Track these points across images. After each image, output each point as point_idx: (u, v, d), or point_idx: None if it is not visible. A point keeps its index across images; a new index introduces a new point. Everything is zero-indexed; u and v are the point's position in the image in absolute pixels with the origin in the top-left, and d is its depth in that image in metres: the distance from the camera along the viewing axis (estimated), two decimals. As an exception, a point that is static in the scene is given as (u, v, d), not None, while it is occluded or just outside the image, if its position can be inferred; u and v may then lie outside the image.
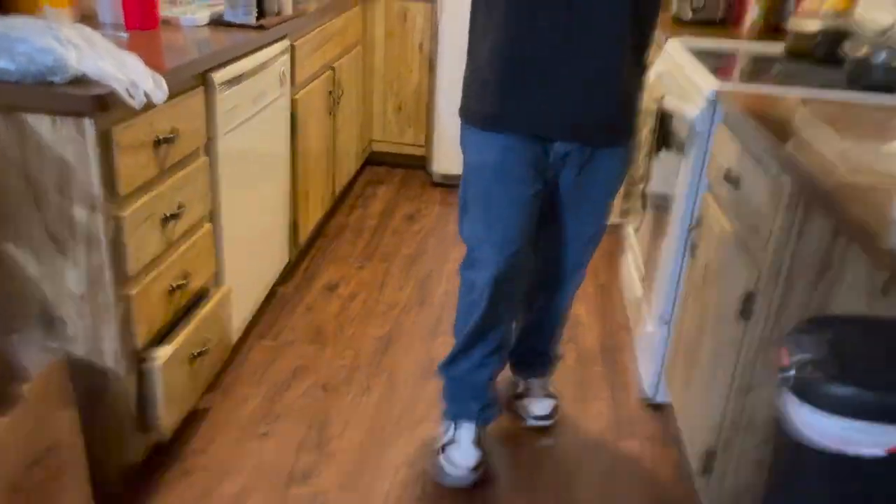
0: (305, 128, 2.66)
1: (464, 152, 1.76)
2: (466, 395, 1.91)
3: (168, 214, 1.66)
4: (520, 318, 2.03)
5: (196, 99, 1.77)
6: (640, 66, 1.70)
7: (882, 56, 1.85)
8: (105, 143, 1.42)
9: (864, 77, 1.88)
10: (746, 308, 1.50)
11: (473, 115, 1.70)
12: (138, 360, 1.63)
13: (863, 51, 1.89)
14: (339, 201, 3.47)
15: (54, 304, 1.52)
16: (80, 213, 1.44)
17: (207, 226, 1.90)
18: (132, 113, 1.48)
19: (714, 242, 1.76)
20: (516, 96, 1.62)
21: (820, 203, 1.22)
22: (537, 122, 1.64)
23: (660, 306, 2.11)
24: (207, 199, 1.88)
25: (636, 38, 1.63)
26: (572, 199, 1.77)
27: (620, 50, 1.59)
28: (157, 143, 1.59)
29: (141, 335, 1.61)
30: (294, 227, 2.67)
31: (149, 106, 1.48)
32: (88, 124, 1.38)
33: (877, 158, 1.24)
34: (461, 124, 1.75)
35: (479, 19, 1.66)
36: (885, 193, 1.15)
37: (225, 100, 1.91)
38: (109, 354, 1.56)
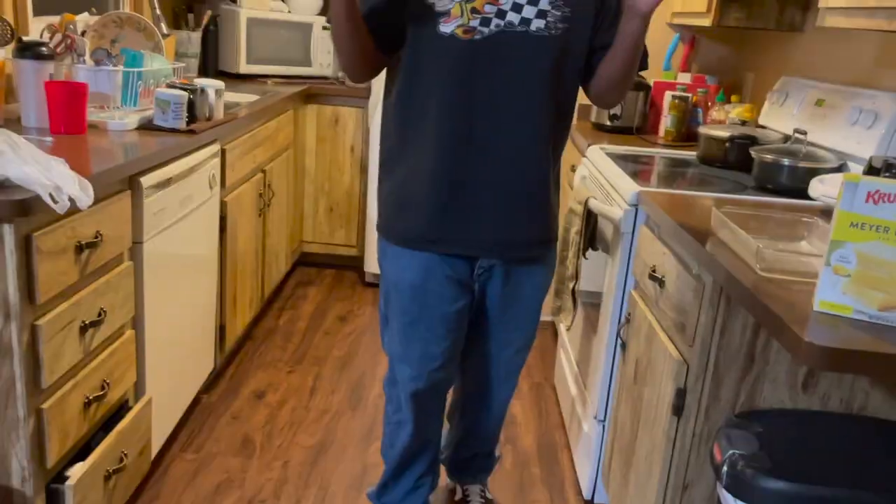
0: (234, 230, 2.63)
1: (381, 267, 1.70)
2: None
3: (88, 322, 1.59)
4: (456, 425, 2.00)
5: (123, 203, 1.74)
6: (557, 174, 1.72)
7: (785, 161, 1.99)
8: (25, 249, 1.36)
9: (771, 181, 2.01)
10: (678, 404, 1.52)
11: (390, 232, 1.64)
12: (49, 479, 1.51)
13: (768, 157, 2.03)
14: (269, 304, 3.41)
15: (-43, 421, 1.41)
16: (-8, 322, 1.37)
17: (129, 332, 1.83)
18: (55, 217, 1.44)
19: (643, 339, 1.79)
20: (437, 217, 1.57)
21: (740, 300, 1.27)
22: (460, 243, 1.60)
23: (594, 405, 2.12)
24: (130, 305, 1.82)
25: (555, 151, 1.65)
26: (501, 308, 1.72)
27: (541, 166, 1.60)
28: (80, 248, 1.54)
29: (53, 452, 1.50)
30: (221, 332, 2.59)
31: (73, 211, 1.44)
32: (7, 230, 1.33)
33: (788, 256, 1.31)
34: (378, 238, 1.70)
35: (392, 138, 1.62)
36: (799, 290, 1.21)
37: (152, 203, 1.89)
38: (17, 474, 1.45)
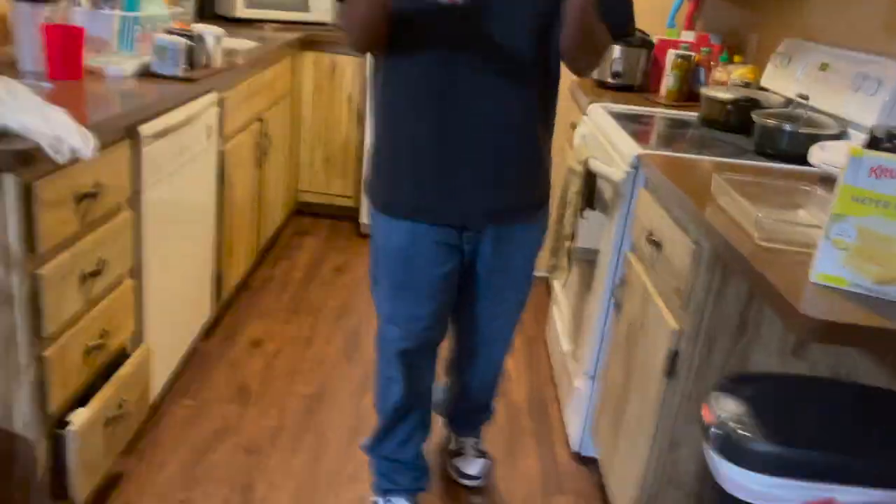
0: (232, 179, 2.62)
1: (371, 229, 1.71)
2: (396, 471, 1.89)
3: (88, 271, 1.60)
4: (454, 381, 2.03)
5: (121, 152, 1.73)
6: (548, 135, 1.67)
7: (787, 127, 1.98)
8: (26, 199, 1.36)
9: (771, 146, 2.01)
10: (670, 366, 1.55)
11: (379, 200, 1.65)
12: (52, 425, 1.54)
13: (769, 121, 2.02)
14: (265, 253, 3.41)
15: (-40, 367, 1.43)
16: (-7, 271, 1.37)
17: (129, 282, 1.84)
18: (55, 168, 1.43)
19: (638, 301, 1.82)
20: (422, 187, 1.57)
21: (737, 268, 1.28)
22: (447, 214, 1.59)
23: (586, 362, 2.16)
24: (130, 255, 1.82)
25: (544, 112, 1.62)
26: (493, 269, 1.72)
27: (529, 129, 1.58)
28: (80, 198, 1.53)
29: (55, 399, 1.53)
30: (218, 281, 2.61)
31: (73, 161, 1.44)
32: (8, 179, 1.32)
33: (786, 226, 1.32)
34: (367, 201, 1.67)
35: (379, 106, 1.60)
36: (797, 261, 1.23)
37: (151, 152, 1.88)
38: (20, 419, 1.47)
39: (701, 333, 1.48)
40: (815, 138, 1.92)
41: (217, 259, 2.57)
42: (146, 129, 1.83)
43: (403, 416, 1.84)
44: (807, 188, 1.57)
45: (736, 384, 1.36)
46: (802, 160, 1.87)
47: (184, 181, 2.14)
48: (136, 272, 1.89)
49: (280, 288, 3.11)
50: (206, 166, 2.35)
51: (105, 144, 1.63)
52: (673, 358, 1.55)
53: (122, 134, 1.74)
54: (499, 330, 1.87)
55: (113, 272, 1.72)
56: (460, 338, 1.91)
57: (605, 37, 1.53)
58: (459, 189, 1.57)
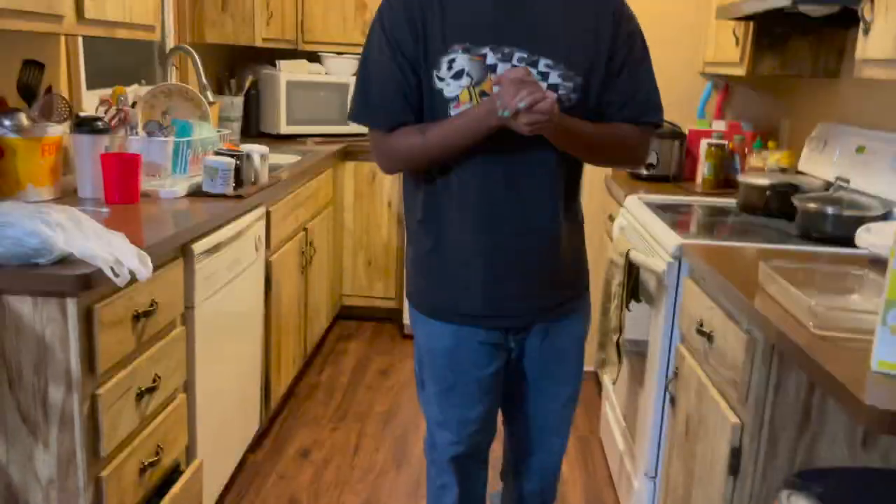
0: (279, 288, 2.68)
1: (414, 332, 1.69)
2: None
3: (144, 388, 1.63)
4: (513, 486, 1.97)
5: (175, 270, 1.79)
6: (577, 223, 1.65)
7: (829, 210, 1.97)
8: (87, 322, 1.41)
9: (816, 230, 2.00)
10: (733, 463, 1.50)
11: (421, 302, 1.63)
12: (107, 547, 1.53)
13: (812, 205, 2.02)
14: (311, 359, 3.43)
15: (20, 489, 1.45)
16: (55, 393, 1.41)
17: (182, 396, 1.87)
18: (114, 289, 1.49)
19: (693, 395, 1.77)
20: (469, 291, 1.54)
21: (794, 359, 1.25)
22: (491, 317, 1.56)
23: (645, 461, 2.08)
24: (182, 370, 1.86)
25: (572, 206, 1.60)
26: (542, 363, 1.67)
27: (561, 227, 1.56)
28: (137, 317, 1.58)
29: (111, 519, 1.53)
30: (266, 390, 2.62)
31: (131, 281, 1.49)
32: (71, 304, 1.38)
33: (841, 314, 1.30)
34: (409, 304, 1.68)
35: (415, 211, 1.59)
36: (855, 349, 1.20)
37: (203, 269, 1.94)
38: (76, 543, 1.47)
39: (763, 428, 1.44)
40: (860, 220, 1.90)
41: (265, 368, 2.59)
42: (198, 247, 1.90)
43: None
44: (858, 272, 1.55)
45: (806, 480, 1.30)
46: (849, 243, 1.85)
47: (233, 293, 2.19)
48: (189, 387, 1.92)
49: (326, 394, 3.11)
50: (255, 277, 2.41)
51: (160, 264, 1.70)
52: (736, 454, 1.49)
53: (176, 253, 1.81)
54: (554, 428, 1.79)
55: (167, 388, 1.75)
56: (514, 440, 1.85)
57: (635, 149, 1.56)
58: (506, 295, 1.56)
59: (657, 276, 2.04)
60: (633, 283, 2.27)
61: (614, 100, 1.49)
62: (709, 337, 1.69)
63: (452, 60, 1.41)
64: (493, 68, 1.41)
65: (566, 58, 1.43)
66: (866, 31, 1.68)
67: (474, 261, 1.53)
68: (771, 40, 2.54)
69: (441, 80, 1.43)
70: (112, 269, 1.39)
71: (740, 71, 2.62)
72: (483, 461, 1.79)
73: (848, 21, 2.20)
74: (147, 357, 1.65)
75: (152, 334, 1.68)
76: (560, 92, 1.43)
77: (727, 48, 2.73)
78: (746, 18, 2.47)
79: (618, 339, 2.30)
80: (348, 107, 1.57)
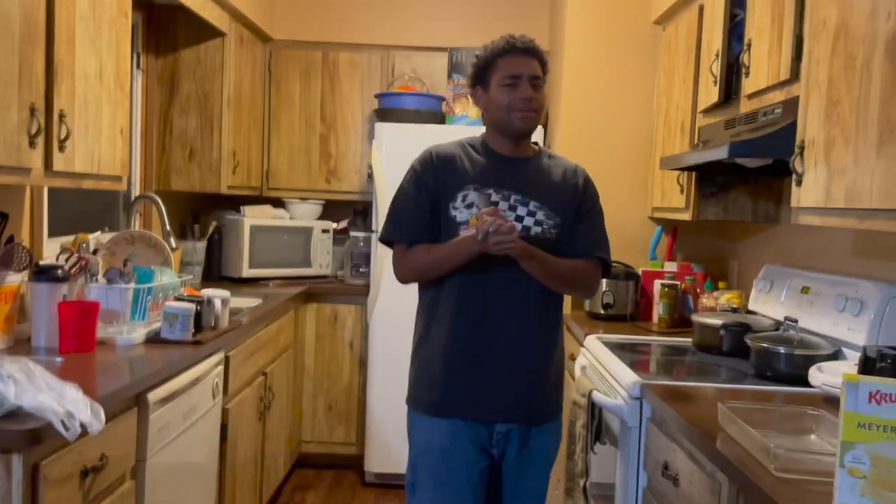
0: (235, 437, 2.59)
1: (410, 437, 1.93)
2: None
3: (87, 551, 1.53)
4: None
5: (129, 421, 1.74)
6: (559, 346, 1.96)
7: (782, 349, 2.03)
8: (32, 479, 1.35)
9: (770, 369, 2.04)
10: None
11: (420, 402, 1.90)
12: None
13: (764, 345, 2.07)
14: (267, 511, 3.26)
15: None
16: (-10, 560, 1.32)
17: (128, 558, 1.75)
18: (63, 444, 1.43)
19: (663, 542, 1.73)
20: (460, 386, 1.84)
21: (759, 503, 1.25)
22: (480, 408, 1.84)
23: None
24: (130, 528, 1.76)
25: (556, 327, 1.94)
26: (517, 472, 1.89)
27: (544, 337, 1.90)
28: (85, 472, 1.52)
29: None
30: (219, 548, 2.47)
31: (82, 435, 1.44)
32: (16, 460, 1.32)
33: (802, 456, 1.31)
34: (408, 411, 1.94)
35: (423, 324, 1.92)
36: (819, 492, 1.20)
37: (158, 419, 1.88)
38: None
39: (735, 577, 1.40)
40: (811, 359, 1.96)
41: (218, 524, 2.46)
42: (153, 396, 1.85)
43: None
44: (813, 412, 1.57)
45: None
46: (803, 381, 1.89)
47: (187, 443, 2.12)
48: (135, 547, 1.80)
49: (283, 550, 2.93)
50: (211, 426, 2.34)
51: (113, 415, 1.65)
52: None
53: (130, 403, 1.76)
54: None
55: (111, 550, 1.65)
56: None
57: (588, 277, 1.93)
58: (491, 388, 1.84)
59: (619, 416, 2.04)
60: (598, 425, 2.25)
61: (575, 239, 1.90)
62: (674, 480, 1.67)
63: (466, 195, 1.85)
64: (495, 203, 1.83)
65: (549, 202, 1.86)
66: (798, 183, 1.80)
67: (468, 360, 1.85)
68: (713, 189, 2.71)
69: (455, 209, 1.85)
70: (63, 422, 1.35)
71: (686, 216, 2.76)
72: None
73: (782, 171, 2.37)
74: (93, 516, 1.56)
75: (101, 490, 1.60)
76: (545, 225, 1.85)
77: (673, 195, 2.89)
78: (689, 169, 2.64)
79: (584, 483, 2.26)
80: (379, 233, 1.98)
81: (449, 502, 1.84)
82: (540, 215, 1.85)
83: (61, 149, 1.92)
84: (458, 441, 1.83)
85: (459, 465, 1.83)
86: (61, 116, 1.92)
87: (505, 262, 1.78)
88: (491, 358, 1.84)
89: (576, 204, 1.90)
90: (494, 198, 1.83)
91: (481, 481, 1.86)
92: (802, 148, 1.79)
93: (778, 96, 2.04)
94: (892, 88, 1.44)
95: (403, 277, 1.94)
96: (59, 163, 1.91)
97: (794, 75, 1.92)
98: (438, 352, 1.86)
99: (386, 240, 1.94)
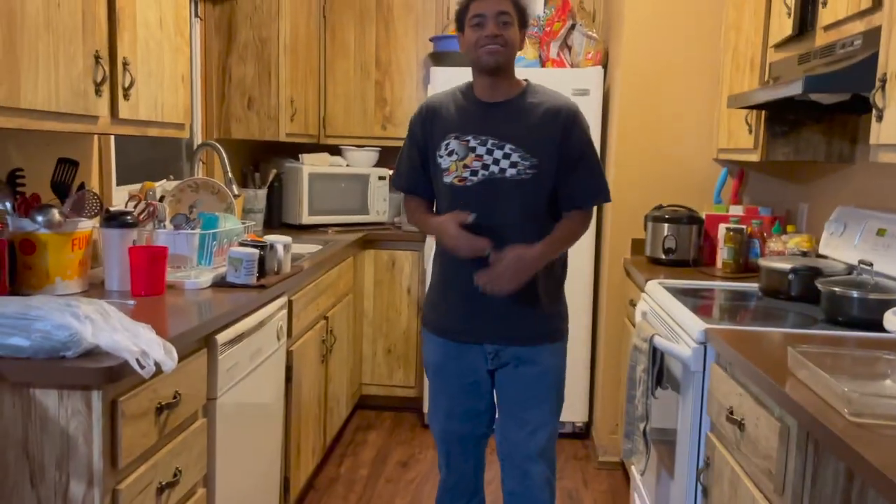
0: (299, 378, 2.67)
1: (422, 348, 2.22)
2: None
3: (164, 483, 1.60)
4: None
5: (199, 361, 1.79)
6: (553, 278, 2.06)
7: (855, 293, 1.96)
8: (111, 416, 1.41)
9: (842, 314, 1.98)
10: (773, 559, 1.43)
11: (425, 322, 2.16)
12: None
13: (836, 289, 2.00)
14: (330, 451, 3.37)
15: (36, 592, 1.41)
16: (76, 489, 1.39)
17: (201, 491, 1.83)
18: (138, 381, 1.49)
19: (727, 486, 1.72)
20: (449, 311, 2.06)
21: (831, 447, 1.22)
22: (467, 332, 2.04)
23: (677, 556, 2.00)
24: (203, 463, 1.83)
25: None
26: (514, 389, 2.04)
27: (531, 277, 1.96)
28: (160, 409, 1.58)
29: None
30: (285, 485, 2.57)
31: (157, 374, 1.50)
32: (96, 397, 1.38)
33: (877, 400, 1.27)
34: (421, 327, 2.20)
35: (437, 253, 2.12)
36: (893, 435, 1.16)
37: (226, 359, 1.94)
38: None
39: (802, 520, 1.38)
40: (886, 304, 1.88)
41: (284, 461, 2.55)
42: (221, 338, 1.91)
43: (450, 498, 2.18)
44: (889, 356, 1.52)
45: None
46: (877, 326, 1.83)
47: (255, 384, 2.19)
48: (209, 480, 1.88)
49: (346, 488, 3.03)
50: (276, 367, 2.41)
51: (184, 355, 1.70)
52: (775, 550, 1.43)
53: (199, 344, 1.81)
54: (527, 452, 2.04)
55: (187, 482, 1.72)
56: (502, 460, 2.11)
57: (580, 229, 2.04)
58: (482, 316, 2.01)
59: (683, 362, 2.01)
60: (659, 370, 2.23)
61: (564, 192, 2.00)
62: (740, 425, 1.65)
63: (448, 143, 2.00)
64: (473, 149, 1.96)
65: (525, 144, 1.95)
66: (879, 118, 1.71)
67: (460, 289, 2.01)
68: (784, 128, 2.59)
69: (441, 157, 2.01)
70: (138, 360, 1.40)
71: (755, 157, 2.66)
72: (472, 448, 2.14)
73: (860, 108, 2.25)
74: (168, 450, 1.63)
75: (174, 426, 1.67)
76: (520, 167, 1.95)
77: (740, 136, 2.78)
78: (758, 107, 2.53)
79: (644, 427, 2.25)
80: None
81: (444, 401, 2.12)
82: (515, 157, 1.95)
83: (126, 96, 1.95)
84: (449, 358, 2.08)
85: (452, 379, 2.08)
86: (125, 64, 1.94)
87: (490, 202, 1.95)
88: (470, 289, 1.94)
89: (556, 145, 1.96)
90: (472, 143, 1.96)
91: (473, 389, 2.08)
92: (884, 81, 1.69)
93: (858, 27, 1.92)
94: None
95: (409, 223, 2.21)
96: (124, 110, 1.95)
97: (877, 3, 1.80)
98: (438, 280, 2.10)
99: (394, 185, 2.20)
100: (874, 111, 1.72)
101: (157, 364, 1.44)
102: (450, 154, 1.99)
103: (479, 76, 2.00)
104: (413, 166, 2.10)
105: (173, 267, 2.21)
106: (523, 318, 2.01)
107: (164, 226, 2.26)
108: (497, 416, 2.12)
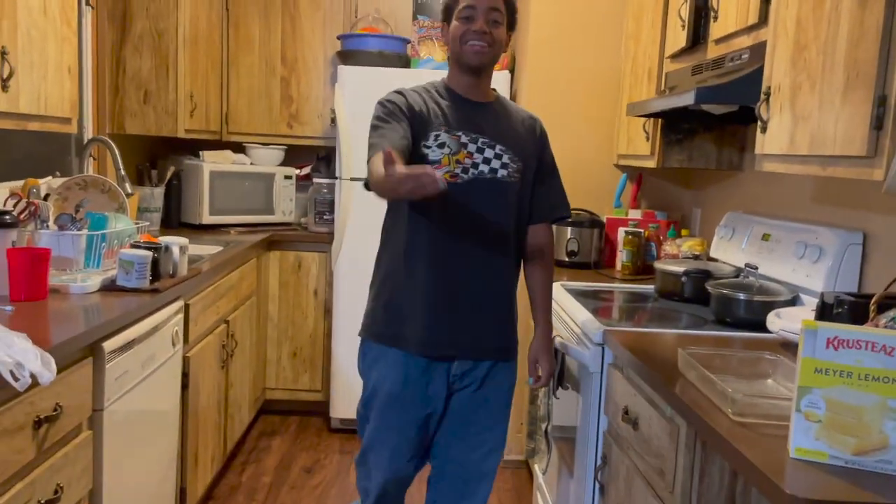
0: (197, 385, 2.57)
1: (364, 374, 1.95)
2: None
3: (44, 501, 1.50)
4: None
5: (84, 371, 1.69)
6: (516, 288, 2.00)
7: (741, 296, 2.05)
8: (-20, 432, 1.31)
9: (729, 315, 2.07)
10: (664, 555, 1.48)
11: (383, 335, 1.89)
12: None
13: (724, 291, 2.10)
14: (231, 458, 3.27)
15: None
16: (-60, 512, 1.29)
17: (87, 507, 1.73)
18: (13, 394, 1.39)
19: (622, 484, 1.77)
20: (428, 323, 1.85)
21: (716, 447, 1.27)
22: (444, 345, 1.86)
23: (576, 554, 2.04)
24: (89, 477, 1.73)
25: (515, 264, 1.98)
26: (472, 410, 1.92)
27: (509, 281, 1.94)
28: (38, 423, 1.48)
29: None
30: (181, 495, 2.47)
31: (33, 386, 1.40)
32: (-37, 412, 1.28)
33: (758, 400, 1.33)
34: (363, 344, 1.94)
35: (391, 259, 1.90)
36: (774, 435, 1.22)
37: (114, 368, 1.84)
38: None
39: (690, 516, 1.43)
40: (770, 305, 1.98)
41: (181, 471, 2.45)
42: (109, 345, 1.81)
43: None
44: (771, 357, 1.60)
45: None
46: (762, 327, 1.92)
47: (147, 393, 2.09)
48: (94, 496, 1.78)
49: (247, 497, 2.95)
50: (171, 375, 2.31)
51: (67, 364, 1.61)
52: (665, 545, 1.48)
53: (84, 352, 1.71)
54: (480, 473, 1.95)
55: (71, 498, 1.63)
56: (442, 488, 1.97)
57: (552, 248, 2.05)
58: (457, 325, 1.86)
59: (581, 362, 2.06)
60: (560, 370, 2.28)
61: (537, 202, 1.97)
62: (634, 424, 1.70)
63: (438, 135, 1.85)
64: (464, 145, 1.85)
65: (512, 146, 1.90)
66: (763, 129, 1.80)
67: (437, 296, 1.86)
68: (678, 136, 2.69)
69: (428, 147, 1.84)
70: (12, 372, 1.31)
71: (652, 163, 2.75)
72: (402, 494, 2.01)
73: (748, 118, 2.36)
74: (48, 466, 1.53)
75: (55, 441, 1.57)
76: (509, 168, 1.89)
77: (638, 142, 2.88)
78: (655, 115, 2.62)
79: (546, 426, 2.29)
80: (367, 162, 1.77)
81: (393, 443, 1.90)
82: (505, 158, 1.88)
83: (4, 88, 1.83)
84: (410, 382, 1.86)
85: (409, 410, 1.88)
86: (3, 53, 1.82)
87: (480, 202, 1.85)
88: (457, 294, 1.86)
89: (536, 155, 1.95)
90: (463, 139, 1.85)
91: (427, 422, 1.91)
92: (768, 94, 1.78)
93: (746, 41, 2.02)
94: (860, 30, 1.42)
95: (373, 180, 1.69)
96: (2, 102, 1.82)
97: (763, 19, 1.90)
98: (401, 282, 1.87)
99: (369, 163, 1.74)
100: (759, 122, 1.81)
101: (33, 376, 1.35)
102: (440, 146, 1.83)
103: (461, 74, 1.89)
104: (402, 130, 1.78)
105: (58, 270, 2.08)
106: (498, 332, 1.93)
107: (48, 226, 2.13)
108: (436, 437, 1.96)
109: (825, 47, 1.54)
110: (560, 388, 2.27)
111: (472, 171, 1.84)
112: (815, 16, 1.58)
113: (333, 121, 3.70)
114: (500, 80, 3.43)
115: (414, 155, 1.83)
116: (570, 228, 3.04)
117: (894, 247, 1.82)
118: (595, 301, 2.39)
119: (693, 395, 1.43)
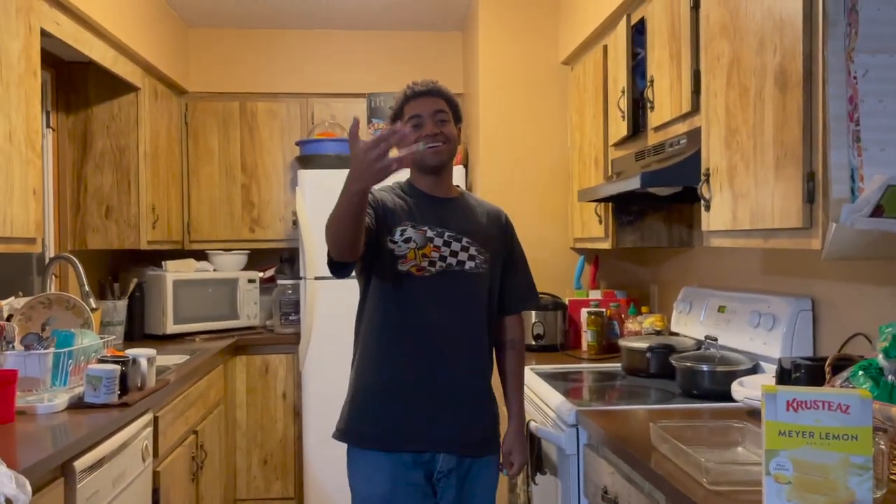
0: (167, 500, 2.49)
1: (352, 483, 1.91)
2: None
3: None
4: None
5: (55, 492, 1.66)
6: (490, 376, 2.01)
7: (704, 367, 2.12)
8: (-49, 565, 1.27)
9: (695, 387, 2.13)
10: None
11: (361, 436, 1.88)
12: None
13: (688, 364, 2.16)
14: (205, 576, 3.13)
15: None
16: None
17: None
18: (-16, 523, 1.35)
19: (608, 566, 1.76)
20: (403, 416, 1.85)
21: (696, 517, 1.29)
22: (424, 439, 1.85)
23: None
24: None
25: (490, 354, 2.01)
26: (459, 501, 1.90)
27: (483, 372, 1.96)
28: (9, 551, 1.43)
29: None
30: None
31: (5, 512, 1.37)
32: (-67, 545, 1.24)
33: (731, 468, 1.37)
34: (348, 451, 1.91)
35: (365, 356, 1.91)
36: (749, 500, 1.25)
37: (85, 488, 1.80)
38: None
39: (678, 592, 1.43)
40: (732, 375, 2.05)
41: None
42: (80, 465, 1.77)
43: None
44: (739, 425, 1.64)
45: None
46: (727, 397, 1.98)
47: (118, 512, 2.03)
48: None
49: None
50: (142, 491, 2.25)
51: (39, 486, 1.57)
52: None
53: (56, 472, 1.68)
54: None
55: None
56: None
57: (523, 337, 2.11)
58: (436, 420, 1.85)
59: (556, 446, 2.07)
60: (537, 455, 2.28)
61: (507, 293, 2.02)
62: (614, 503, 1.71)
63: (404, 230, 1.88)
64: (430, 239, 1.89)
65: (479, 239, 1.95)
66: (707, 207, 1.91)
67: (412, 391, 1.86)
68: (629, 217, 2.82)
69: (394, 242, 1.87)
70: (-16, 499, 1.28)
71: (607, 245, 2.86)
72: None
73: (692, 198, 2.50)
74: None
75: (26, 570, 1.51)
76: (477, 260, 1.93)
77: (592, 226, 3.00)
78: (605, 200, 2.75)
79: (527, 515, 2.27)
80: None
81: None
82: (472, 250, 1.92)
83: (-30, 213, 1.85)
84: (398, 484, 1.83)
85: (402, 498, 1.84)
86: (-31, 180, 1.85)
87: (450, 294, 1.88)
88: (435, 388, 1.86)
89: (504, 245, 2.02)
90: (429, 234, 1.89)
91: None
92: (708, 175, 1.90)
93: (682, 128, 2.17)
94: (784, 115, 1.55)
95: (329, 248, 1.75)
96: (-32, 227, 1.84)
97: (695, 107, 2.05)
98: (379, 380, 1.87)
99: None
100: (702, 201, 1.92)
101: (8, 500, 1.32)
102: (406, 241, 1.87)
103: (423, 175, 1.96)
104: (367, 214, 1.75)
105: (24, 391, 2.05)
106: (478, 424, 1.92)
107: (14, 347, 2.11)
108: None
109: (754, 130, 1.67)
110: (538, 473, 2.27)
111: (439, 263, 1.88)
112: (741, 102, 1.73)
113: (295, 223, 3.76)
114: (455, 175, 3.55)
115: (379, 250, 1.86)
116: (534, 312, 3.10)
117: (841, 310, 1.92)
118: (565, 382, 2.43)
119: (668, 467, 1.46)
